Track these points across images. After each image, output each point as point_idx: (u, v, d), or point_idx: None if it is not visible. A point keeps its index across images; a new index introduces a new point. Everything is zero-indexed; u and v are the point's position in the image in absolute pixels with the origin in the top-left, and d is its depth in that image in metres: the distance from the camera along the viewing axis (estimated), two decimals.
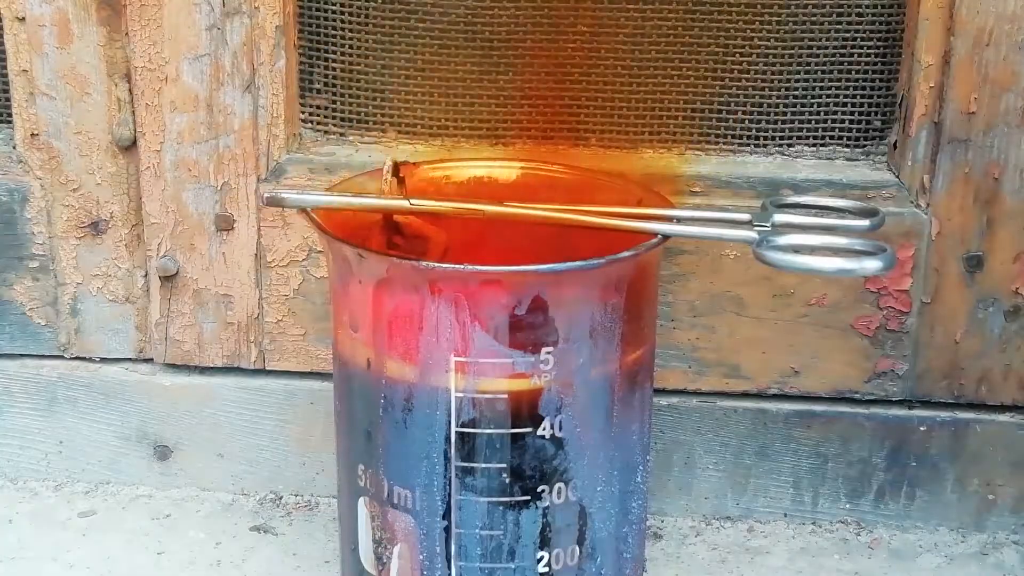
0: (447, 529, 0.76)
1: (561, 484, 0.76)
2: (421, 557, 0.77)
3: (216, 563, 0.94)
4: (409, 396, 0.75)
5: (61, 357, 1.00)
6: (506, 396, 0.73)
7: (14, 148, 0.96)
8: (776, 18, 0.91)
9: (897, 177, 0.92)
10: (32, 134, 0.95)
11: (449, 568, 0.77)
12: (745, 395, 0.96)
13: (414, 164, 0.85)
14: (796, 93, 0.92)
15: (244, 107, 0.93)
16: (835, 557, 0.95)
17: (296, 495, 1.01)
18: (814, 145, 0.94)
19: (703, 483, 0.98)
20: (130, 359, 1.00)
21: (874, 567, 0.94)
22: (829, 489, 0.98)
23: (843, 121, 0.93)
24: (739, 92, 0.93)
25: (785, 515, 0.99)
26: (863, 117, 0.93)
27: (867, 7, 0.90)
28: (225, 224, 0.95)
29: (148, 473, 1.02)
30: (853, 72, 0.92)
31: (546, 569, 0.77)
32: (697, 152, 0.94)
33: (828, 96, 0.92)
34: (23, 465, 1.02)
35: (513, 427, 0.74)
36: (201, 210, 0.95)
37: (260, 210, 0.94)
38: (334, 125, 0.96)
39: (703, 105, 0.93)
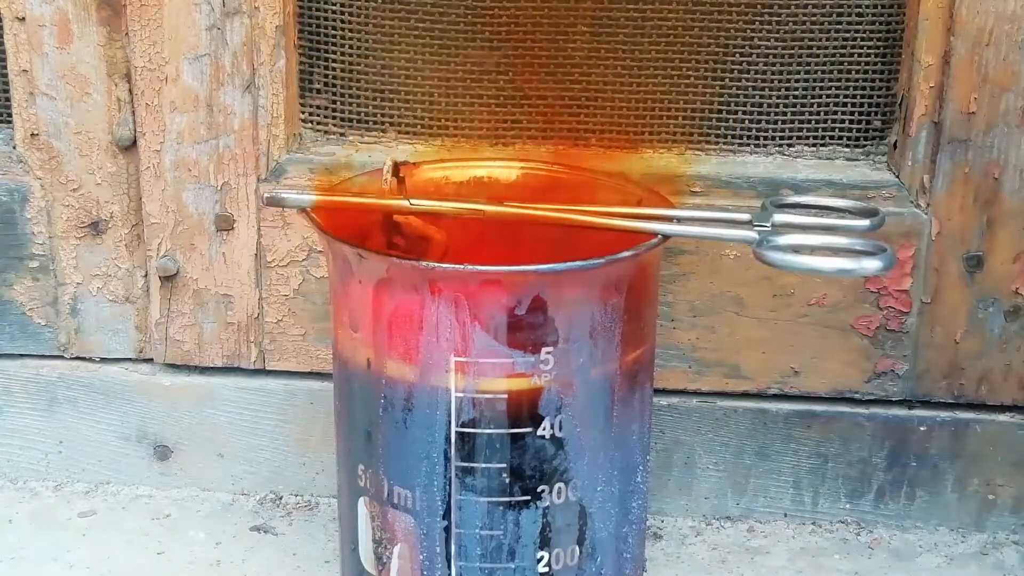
0: (447, 529, 0.76)
1: (561, 484, 0.76)
2: (421, 557, 0.77)
3: (216, 563, 0.94)
4: (409, 396, 0.75)
5: (61, 357, 1.00)
6: (506, 396, 0.73)
7: (14, 148, 0.96)
8: (776, 18, 0.91)
9: (897, 177, 0.92)
10: (32, 134, 0.95)
11: (449, 568, 0.77)
12: (745, 395, 0.96)
13: (414, 164, 0.85)
14: (796, 93, 0.92)
15: (244, 107, 0.93)
16: (835, 557, 0.95)
17: (296, 495, 1.01)
18: (814, 145, 0.94)
19: (703, 483, 0.98)
20: (130, 359, 1.00)
21: (874, 567, 0.94)
22: (829, 489, 0.98)
23: (843, 121, 0.93)
24: (739, 92, 0.93)
25: (785, 515, 0.99)
26: (863, 117, 0.93)
27: (867, 7, 0.90)
28: (225, 224, 0.95)
29: (148, 473, 1.02)
30: (853, 72, 0.92)
31: (546, 569, 0.77)
32: (697, 152, 0.94)
33: (828, 96, 0.92)
34: (23, 465, 1.02)
35: (513, 427, 0.74)
36: (201, 210, 0.95)
37: (260, 210, 0.94)
38: (334, 125, 0.96)
39: (703, 105, 0.93)
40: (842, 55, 0.91)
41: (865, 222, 0.79)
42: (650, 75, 0.93)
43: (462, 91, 0.94)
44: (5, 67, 0.95)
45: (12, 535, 0.96)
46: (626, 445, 0.78)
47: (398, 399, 0.75)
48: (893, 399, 0.95)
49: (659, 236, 0.74)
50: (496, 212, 0.78)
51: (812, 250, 0.73)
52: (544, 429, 0.74)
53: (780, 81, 0.92)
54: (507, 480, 0.75)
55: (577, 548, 0.78)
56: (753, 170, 0.93)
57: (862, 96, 0.92)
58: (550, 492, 0.76)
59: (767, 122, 0.93)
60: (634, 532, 0.81)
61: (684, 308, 0.94)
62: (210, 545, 0.96)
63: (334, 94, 0.95)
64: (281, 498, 1.01)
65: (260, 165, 0.94)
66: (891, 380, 0.94)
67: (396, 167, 0.80)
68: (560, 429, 0.74)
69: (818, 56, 0.91)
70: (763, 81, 0.92)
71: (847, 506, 0.98)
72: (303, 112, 0.96)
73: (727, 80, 0.92)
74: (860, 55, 0.91)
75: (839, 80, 0.92)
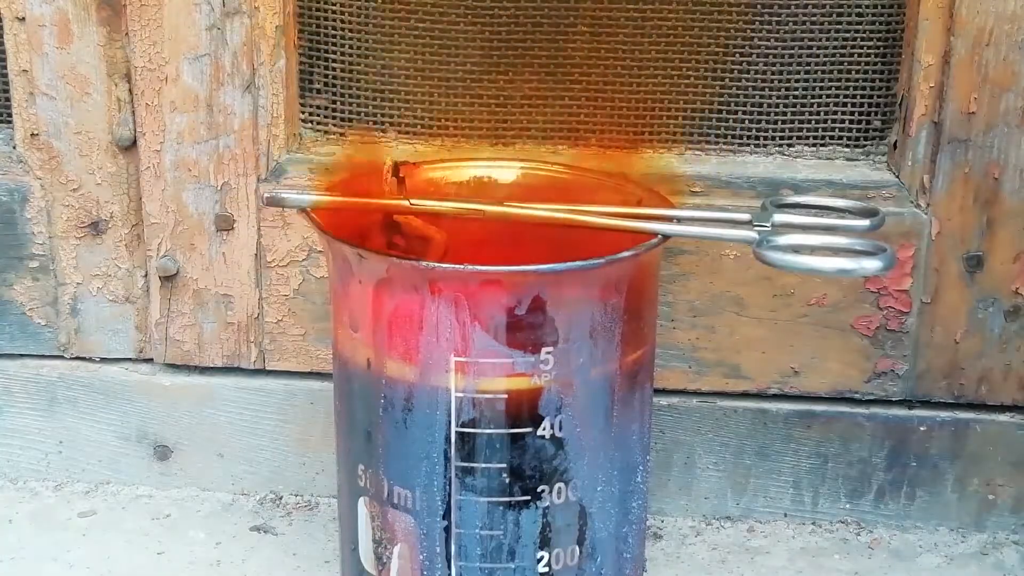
0: (447, 529, 0.76)
1: (561, 484, 0.76)
2: (421, 557, 0.77)
3: (216, 563, 0.94)
4: (409, 396, 0.75)
5: (61, 357, 1.00)
6: (506, 396, 0.73)
7: (14, 148, 0.96)
8: (776, 18, 0.91)
9: (897, 177, 0.92)
10: (32, 134, 0.95)
11: (449, 568, 0.77)
12: (745, 395, 0.96)
13: (414, 164, 0.85)
14: (796, 93, 0.92)
15: (244, 107, 0.93)
16: (835, 557, 0.95)
17: (296, 495, 1.01)
18: (814, 145, 0.94)
19: (703, 483, 0.98)
20: (130, 359, 1.00)
21: (874, 567, 0.94)
22: (829, 489, 0.98)
23: (843, 121, 0.93)
24: (739, 92, 0.93)
25: (785, 515, 0.99)
26: (863, 117, 0.93)
27: (867, 7, 0.90)
28: (225, 224, 0.95)
29: (148, 473, 1.02)
30: (853, 72, 0.92)
31: (546, 569, 0.77)
32: (697, 152, 0.94)
33: (828, 96, 0.92)
34: (23, 465, 1.02)
35: (513, 427, 0.74)
36: (201, 210, 0.95)
37: (260, 210, 0.94)
38: (334, 125, 0.96)
39: (703, 105, 0.93)
40: (842, 55, 0.91)
41: (865, 222, 0.78)
42: (650, 75, 0.93)
43: (462, 91, 0.94)
44: (5, 67, 0.95)
45: (12, 535, 0.96)
46: (626, 445, 0.78)
47: (398, 399, 0.75)
48: (893, 399, 0.95)
49: (659, 236, 0.74)
50: (496, 212, 0.78)
51: (812, 250, 0.73)
52: (544, 429, 0.74)
53: (780, 81, 0.92)
54: (507, 480, 0.75)
55: (577, 548, 0.77)
56: (753, 170, 0.93)
57: (862, 96, 0.92)
58: (550, 492, 0.76)
59: (767, 122, 0.93)
60: (634, 532, 0.81)
61: (684, 308, 0.94)
62: (210, 545, 0.96)
63: (334, 94, 0.95)
64: (281, 498, 1.01)
65: (260, 165, 0.94)
66: (891, 380, 0.94)
67: (396, 167, 0.80)
68: (560, 429, 0.74)
69: (818, 56, 0.91)
70: (763, 81, 0.92)
71: (847, 506, 0.98)
72: (303, 112, 0.96)
73: (727, 80, 0.92)
74: (860, 55, 0.91)
75: (839, 80, 0.92)
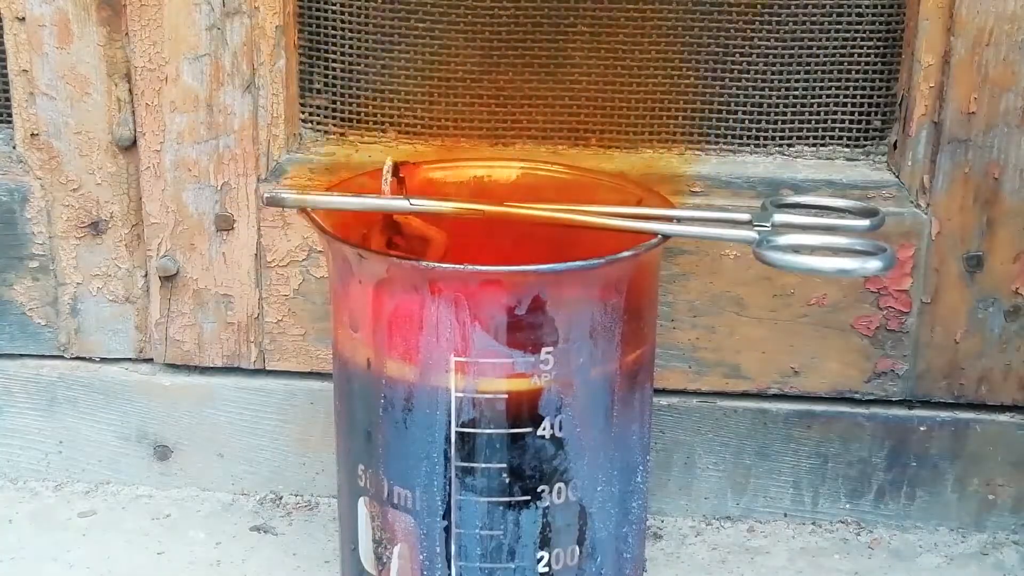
0: (447, 529, 0.76)
1: (561, 484, 0.76)
2: (421, 557, 0.77)
3: (216, 563, 0.94)
4: (409, 396, 0.75)
5: (61, 357, 1.00)
6: (506, 396, 0.73)
7: (14, 148, 0.96)
8: (776, 18, 0.91)
9: (897, 177, 0.92)
10: (32, 134, 0.95)
11: (449, 568, 0.77)
12: (745, 395, 0.96)
13: (414, 164, 0.85)
14: (796, 93, 0.92)
15: (244, 107, 0.93)
16: (835, 557, 0.95)
17: (296, 495, 1.01)
18: (814, 145, 0.94)
19: (703, 483, 0.98)
20: (130, 359, 1.00)
21: (874, 567, 0.94)
22: (829, 489, 0.98)
23: (843, 121, 0.93)
24: (739, 92, 0.93)
25: (785, 515, 0.99)
26: (863, 117, 0.93)
27: (867, 7, 0.90)
28: (225, 224, 0.95)
29: (148, 473, 1.02)
30: (853, 72, 0.92)
31: (546, 569, 0.77)
32: (697, 152, 0.94)
33: (828, 96, 0.92)
34: (23, 465, 1.02)
35: (513, 427, 0.74)
36: (201, 210, 0.95)
37: (260, 210, 0.94)
38: (334, 125, 0.96)
39: (703, 105, 0.93)
40: (842, 55, 0.91)
41: (865, 222, 0.78)
42: (650, 75, 0.93)
43: (462, 91, 0.94)
44: (5, 67, 0.95)
45: (12, 535, 0.96)
46: (626, 445, 0.78)
47: (398, 399, 0.75)
48: (893, 399, 0.95)
49: (659, 236, 0.74)
50: (496, 212, 0.78)
51: (812, 250, 0.73)
52: (544, 429, 0.74)
53: (780, 81, 0.92)
54: (507, 480, 0.75)
55: (577, 548, 0.77)
56: (753, 170, 0.93)
57: (862, 96, 0.92)
58: (550, 492, 0.76)
59: (767, 122, 0.93)
60: (634, 532, 0.81)
61: (684, 308, 0.94)
62: (210, 545, 0.96)
63: (334, 94, 0.95)
64: (281, 498, 1.01)
65: (260, 165, 0.94)
66: (891, 380, 0.94)
67: (396, 167, 0.80)
68: (560, 429, 0.74)
69: (818, 56, 0.91)
70: (763, 81, 0.92)
71: (847, 506, 0.98)
72: (303, 112, 0.96)
73: (727, 80, 0.92)
74: (860, 55, 0.91)
75: (839, 80, 0.92)
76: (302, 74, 0.95)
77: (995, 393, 0.94)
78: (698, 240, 0.91)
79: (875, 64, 0.91)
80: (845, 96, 0.92)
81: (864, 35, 0.91)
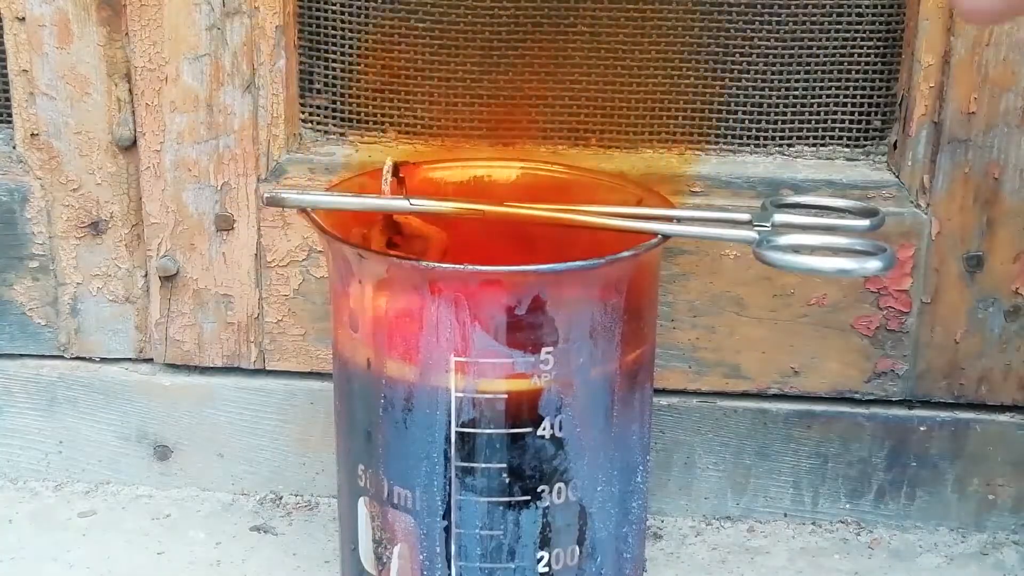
0: (447, 529, 0.76)
1: (561, 484, 0.76)
2: (421, 557, 0.77)
3: (216, 563, 0.94)
4: (409, 396, 0.75)
5: (61, 357, 1.00)
6: (506, 396, 0.73)
7: (14, 148, 0.96)
8: (776, 18, 0.91)
9: (897, 177, 0.92)
10: (32, 134, 0.95)
11: (449, 568, 0.77)
12: (745, 395, 0.96)
13: (414, 164, 0.85)
14: (796, 93, 0.92)
15: (244, 107, 0.93)
16: (835, 557, 0.95)
17: (296, 495, 1.01)
18: (814, 145, 0.94)
19: (703, 483, 0.98)
20: (130, 359, 1.00)
21: (874, 567, 0.94)
22: (829, 489, 0.98)
23: (843, 121, 0.93)
24: (739, 92, 0.93)
25: (785, 515, 0.99)
26: (863, 117, 0.93)
27: (867, 7, 0.90)
28: (225, 224, 0.95)
29: (148, 473, 1.02)
30: (853, 72, 0.92)
31: (546, 569, 0.77)
32: (697, 152, 0.94)
33: (828, 96, 0.92)
34: (23, 465, 1.02)
35: (513, 427, 0.74)
36: (201, 210, 0.95)
37: (260, 210, 0.94)
38: (334, 125, 0.96)
39: (703, 105, 0.93)
40: (842, 55, 0.91)
41: (865, 222, 0.78)
42: (650, 75, 0.93)
43: (462, 91, 0.94)
44: (5, 67, 0.95)
45: (12, 535, 0.96)
46: (626, 445, 0.78)
47: (398, 399, 0.75)
48: (893, 399, 0.95)
49: (659, 236, 0.74)
50: (496, 212, 0.78)
51: (812, 250, 0.73)
52: (544, 429, 0.74)
53: (780, 81, 0.92)
54: (507, 480, 0.75)
55: (577, 548, 0.78)
56: (753, 170, 0.93)
57: (862, 96, 0.92)
58: (550, 492, 0.76)
59: (767, 122, 0.93)
60: (634, 532, 0.81)
61: (684, 308, 0.94)
62: (210, 545, 0.96)
63: (334, 94, 0.95)
64: (281, 498, 1.01)
65: (260, 165, 0.94)
66: (891, 380, 0.94)
67: (396, 167, 0.80)
68: (560, 429, 0.75)
69: (818, 56, 0.91)
70: (763, 81, 0.92)
71: (847, 506, 0.98)
72: (303, 112, 0.96)
73: (727, 80, 0.92)
74: (860, 55, 0.91)
75: (839, 80, 0.92)
76: (302, 74, 0.95)
77: (995, 393, 0.94)
78: (698, 240, 0.91)
79: (875, 64, 0.91)
80: (845, 96, 0.92)
81: (864, 35, 0.91)
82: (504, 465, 0.74)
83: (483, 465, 0.75)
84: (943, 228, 0.91)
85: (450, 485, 0.75)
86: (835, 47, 0.91)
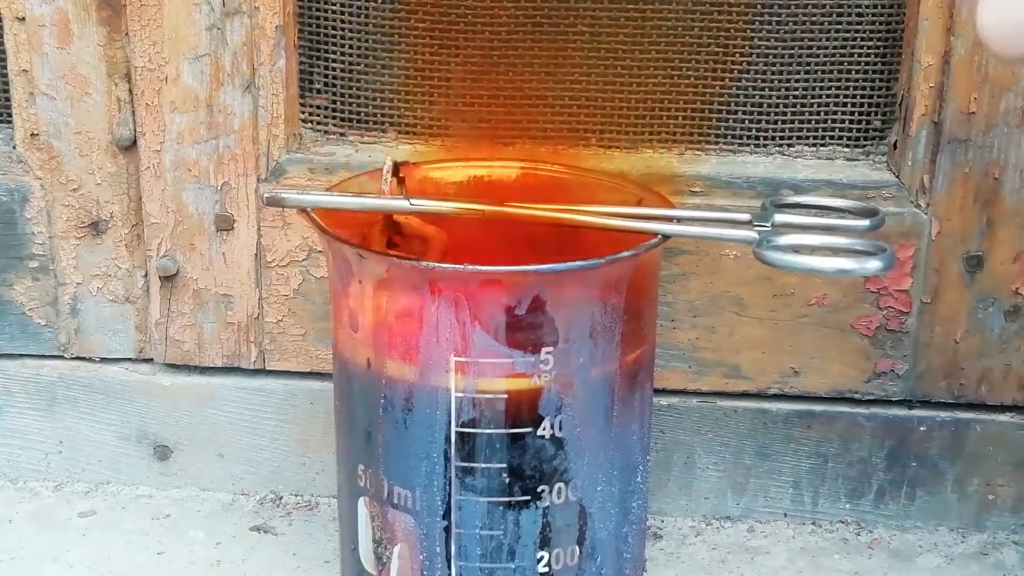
0: (447, 529, 0.76)
1: (561, 484, 0.76)
2: (421, 557, 0.77)
3: (216, 563, 0.94)
4: (409, 396, 0.75)
5: (61, 357, 1.00)
6: (506, 396, 0.73)
7: (14, 148, 0.96)
8: (776, 18, 0.91)
9: (897, 177, 0.92)
10: (32, 134, 0.95)
11: (449, 568, 0.77)
12: (745, 395, 0.96)
13: (414, 164, 0.85)
14: (796, 93, 0.92)
15: (244, 107, 0.93)
16: (835, 557, 0.95)
17: (296, 495, 1.01)
18: (814, 145, 0.94)
19: (703, 483, 0.98)
20: (130, 359, 1.00)
21: (874, 567, 0.94)
22: (829, 489, 0.98)
23: (843, 121, 0.93)
24: (739, 92, 0.93)
25: (785, 515, 0.99)
26: (863, 117, 0.93)
27: (867, 7, 0.90)
28: (225, 224, 0.95)
29: (148, 473, 1.02)
30: (853, 72, 0.92)
31: (546, 569, 0.77)
32: (697, 152, 0.94)
33: (828, 96, 0.92)
34: (23, 465, 1.02)
35: (513, 427, 0.74)
36: (201, 210, 0.95)
37: (260, 210, 0.94)
38: (334, 125, 0.96)
39: (703, 105, 0.93)
40: (842, 55, 0.91)
41: (865, 222, 0.78)
42: (650, 75, 0.93)
43: (462, 91, 0.94)
44: (5, 67, 0.95)
45: (12, 535, 0.96)
46: (626, 445, 0.78)
47: (398, 399, 0.75)
48: (893, 399, 0.95)
49: (659, 236, 0.74)
50: (496, 212, 0.78)
51: (812, 250, 0.73)
52: (544, 429, 0.74)
53: (780, 81, 0.92)
54: (507, 480, 0.75)
55: (577, 548, 0.78)
56: (753, 170, 0.93)
57: (862, 96, 0.92)
58: (550, 492, 0.76)
59: (767, 122, 0.93)
60: (634, 532, 0.81)
61: (684, 308, 0.94)
62: (210, 545, 0.96)
63: (334, 94, 0.95)
64: (281, 498, 1.01)
65: (260, 165, 0.94)
66: (891, 380, 0.94)
67: (396, 167, 0.80)
68: (560, 429, 0.74)
69: (818, 56, 0.91)
70: (763, 81, 0.92)
71: (847, 506, 0.98)
72: (303, 112, 0.96)
73: (727, 80, 0.92)
74: (860, 55, 0.91)
75: (839, 80, 0.92)
76: (302, 74, 0.95)
77: (995, 393, 0.94)
78: (698, 240, 0.91)
79: (875, 64, 0.91)
80: (845, 96, 0.92)
81: (864, 35, 0.91)
82: (504, 465, 0.74)
83: (483, 465, 0.75)
84: (943, 228, 0.91)
85: (450, 485, 0.75)
86: (835, 47, 0.91)
